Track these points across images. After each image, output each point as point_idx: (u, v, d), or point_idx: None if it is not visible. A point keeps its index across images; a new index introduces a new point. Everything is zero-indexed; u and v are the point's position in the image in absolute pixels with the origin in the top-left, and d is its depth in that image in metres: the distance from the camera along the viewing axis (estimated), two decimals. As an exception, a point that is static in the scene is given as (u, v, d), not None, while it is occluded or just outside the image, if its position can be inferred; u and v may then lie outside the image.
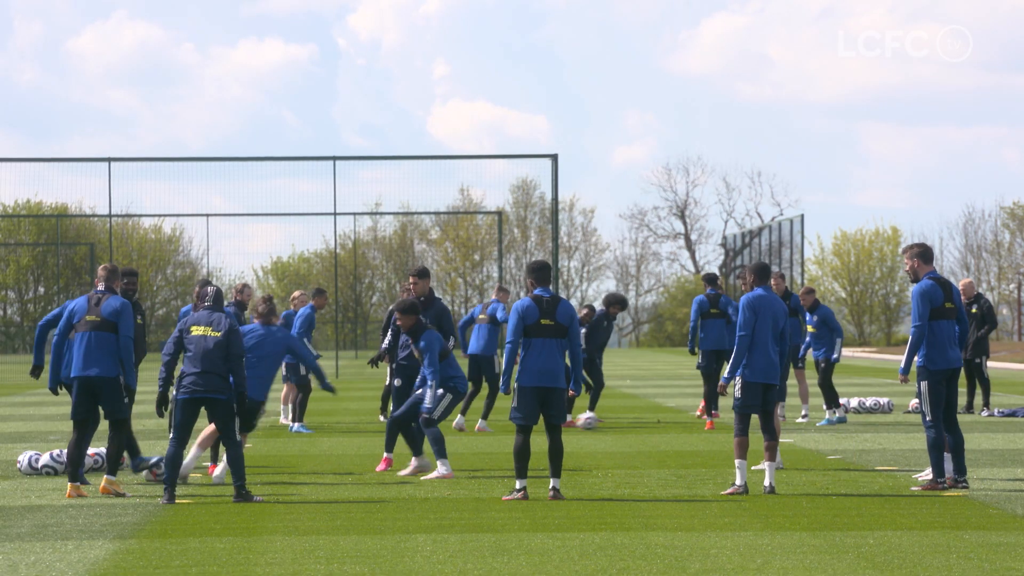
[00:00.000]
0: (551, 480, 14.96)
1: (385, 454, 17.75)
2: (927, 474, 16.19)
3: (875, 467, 17.68)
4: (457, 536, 12.52)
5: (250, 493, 15.07)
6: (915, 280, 15.85)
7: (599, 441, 21.54)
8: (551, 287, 15.29)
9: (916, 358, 15.55)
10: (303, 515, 13.91)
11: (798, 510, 14.02)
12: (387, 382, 25.08)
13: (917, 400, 26.98)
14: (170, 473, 14.98)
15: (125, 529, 13.11)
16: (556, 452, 14.98)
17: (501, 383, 15.40)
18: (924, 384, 15.47)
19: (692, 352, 25.17)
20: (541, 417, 15.01)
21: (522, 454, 14.97)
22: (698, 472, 17.27)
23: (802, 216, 62.05)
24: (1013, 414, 26.35)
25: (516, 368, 15.08)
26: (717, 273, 25.04)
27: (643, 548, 11.83)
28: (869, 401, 27.34)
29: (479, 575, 10.80)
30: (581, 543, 12.08)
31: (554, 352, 14.98)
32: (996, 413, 26.41)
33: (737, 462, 15.26)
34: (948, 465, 16.24)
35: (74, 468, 15.51)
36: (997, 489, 15.54)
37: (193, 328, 15.28)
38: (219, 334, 15.19)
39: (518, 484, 14.99)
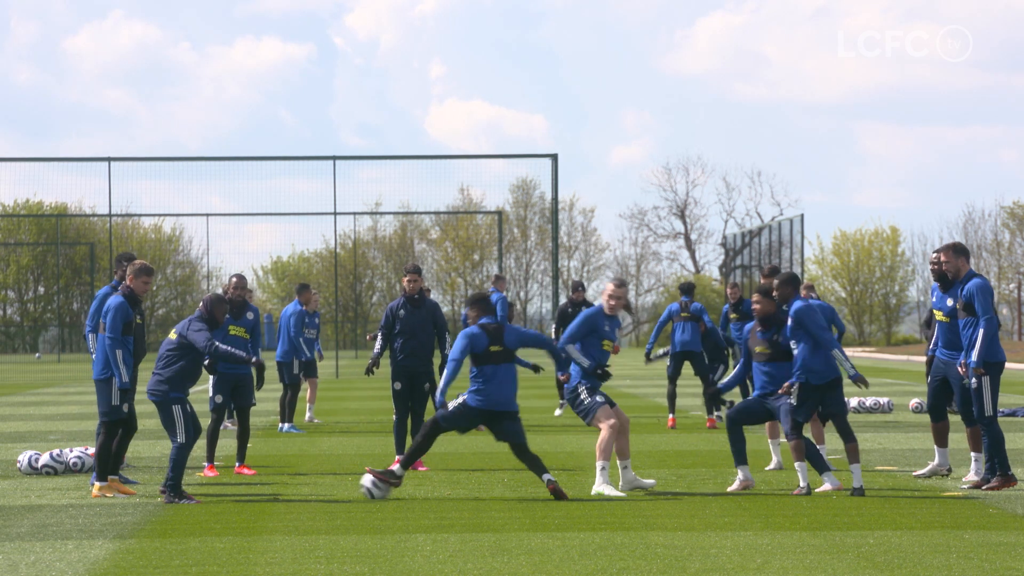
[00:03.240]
0: (543, 476, 15.02)
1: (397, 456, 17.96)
2: (933, 470, 16.29)
3: (875, 467, 17.68)
4: (457, 536, 12.52)
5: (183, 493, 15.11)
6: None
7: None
8: (494, 315, 15.41)
9: (963, 355, 15.62)
10: (303, 515, 13.91)
11: (798, 510, 14.02)
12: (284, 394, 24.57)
13: (917, 400, 27.14)
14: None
15: (125, 529, 13.11)
16: (532, 460, 15.05)
17: (437, 396, 15.18)
18: (984, 379, 15.43)
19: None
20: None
21: (400, 434, 15.03)
22: (698, 472, 17.28)
23: (802, 216, 62.04)
24: (1013, 414, 26.34)
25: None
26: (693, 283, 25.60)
27: (643, 548, 11.83)
28: (869, 401, 27.34)
29: (479, 575, 10.80)
30: (581, 543, 12.08)
31: (505, 378, 15.08)
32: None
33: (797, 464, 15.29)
34: (939, 459, 16.34)
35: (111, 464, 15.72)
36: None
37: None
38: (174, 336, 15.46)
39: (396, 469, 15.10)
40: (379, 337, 18.21)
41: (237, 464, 17.76)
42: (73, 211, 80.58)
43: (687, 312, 25.07)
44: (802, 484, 15.10)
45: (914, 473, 16.59)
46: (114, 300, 15.65)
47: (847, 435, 15.19)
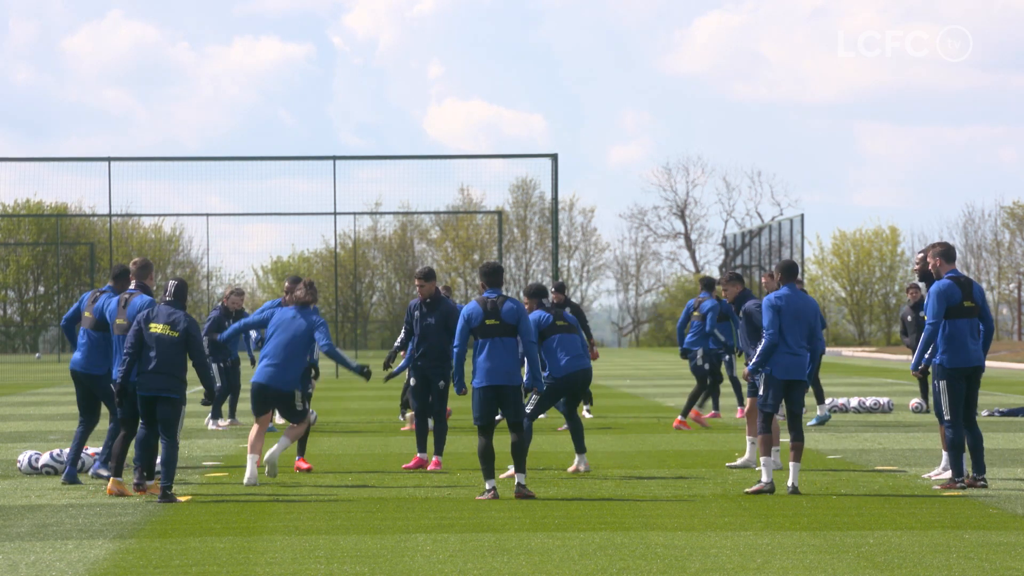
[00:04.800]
0: (515, 476, 15.01)
1: (418, 454, 17.93)
2: (938, 473, 16.24)
3: (875, 467, 17.68)
4: (457, 536, 12.52)
5: (174, 495, 15.07)
6: (926, 278, 16.05)
7: (599, 441, 21.53)
8: (503, 289, 15.42)
9: (935, 356, 15.60)
10: (303, 515, 13.91)
11: (798, 510, 14.02)
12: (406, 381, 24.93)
13: (917, 400, 27.15)
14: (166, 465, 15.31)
15: (125, 529, 13.11)
16: (519, 448, 15.10)
17: (455, 385, 15.53)
18: (942, 383, 15.47)
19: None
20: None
21: (486, 455, 15.01)
22: (698, 472, 17.28)
23: (802, 216, 62.06)
24: (1013, 414, 26.35)
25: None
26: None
27: (643, 548, 11.82)
28: (869, 401, 27.33)
29: (479, 575, 10.80)
30: (581, 543, 12.08)
31: (502, 351, 15.07)
32: (996, 413, 26.40)
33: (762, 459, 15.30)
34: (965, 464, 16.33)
35: (116, 464, 15.77)
36: (997, 489, 15.53)
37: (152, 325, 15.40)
38: (177, 334, 15.30)
39: (487, 485, 15.01)
40: (403, 331, 18.28)
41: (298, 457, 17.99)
42: (73, 211, 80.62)
43: (698, 312, 24.79)
44: (764, 479, 15.20)
45: (933, 477, 16.48)
46: (149, 301, 16.03)
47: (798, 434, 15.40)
